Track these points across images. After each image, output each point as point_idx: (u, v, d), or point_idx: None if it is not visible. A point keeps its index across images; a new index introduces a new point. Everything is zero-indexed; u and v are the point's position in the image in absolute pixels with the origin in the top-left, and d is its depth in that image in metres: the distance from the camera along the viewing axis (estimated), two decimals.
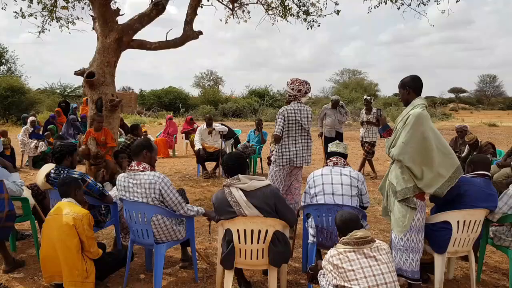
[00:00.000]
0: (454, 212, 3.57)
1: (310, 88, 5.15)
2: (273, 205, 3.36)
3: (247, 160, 9.37)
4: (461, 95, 63.05)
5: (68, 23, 9.50)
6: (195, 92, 47.48)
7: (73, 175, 4.00)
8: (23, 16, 8.94)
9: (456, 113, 38.79)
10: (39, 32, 9.31)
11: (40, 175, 4.28)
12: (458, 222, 3.55)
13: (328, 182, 3.81)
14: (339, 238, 2.97)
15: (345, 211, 3.14)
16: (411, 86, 3.44)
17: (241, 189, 3.32)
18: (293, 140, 5.08)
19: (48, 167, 4.25)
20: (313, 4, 10.15)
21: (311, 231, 3.83)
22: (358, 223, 2.96)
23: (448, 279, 4.00)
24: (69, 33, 10.46)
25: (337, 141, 4.31)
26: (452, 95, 62.70)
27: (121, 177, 3.76)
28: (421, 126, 3.24)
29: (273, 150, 5.11)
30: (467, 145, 7.39)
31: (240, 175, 3.35)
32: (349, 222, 2.93)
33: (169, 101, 36.45)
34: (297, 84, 5.07)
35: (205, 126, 9.62)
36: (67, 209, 3.52)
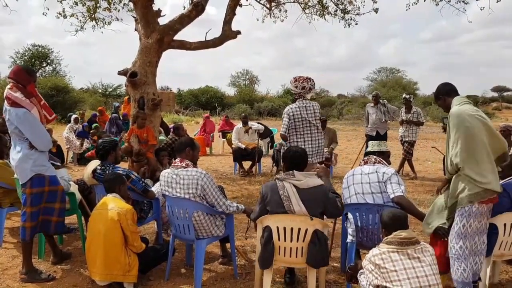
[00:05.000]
0: (500, 215, 3.44)
1: (314, 84, 5.31)
2: (323, 206, 3.37)
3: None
4: (505, 94, 60.25)
5: (104, 24, 9.81)
6: (231, 92, 47.84)
7: (118, 171, 4.14)
8: (64, 16, 9.30)
9: (499, 112, 37.30)
10: (76, 31, 9.66)
11: (87, 171, 4.46)
12: (504, 225, 3.43)
13: (358, 182, 3.78)
14: (382, 237, 2.94)
15: (394, 209, 3.11)
16: (443, 93, 3.41)
17: (295, 186, 3.35)
18: (301, 138, 5.21)
19: (95, 163, 4.42)
20: (350, 2, 10.03)
21: (350, 230, 3.81)
22: (406, 223, 2.91)
23: (493, 283, 3.87)
24: (102, 32, 10.79)
25: (374, 141, 4.25)
26: (495, 94, 60.10)
27: (165, 173, 3.89)
28: (464, 122, 3.08)
29: (280, 150, 5.19)
30: None
31: (295, 172, 3.39)
32: (397, 220, 2.89)
33: (205, 100, 36.94)
34: (300, 82, 5.22)
35: (241, 125, 9.75)
36: (112, 204, 3.65)
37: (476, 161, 3.07)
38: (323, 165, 5.09)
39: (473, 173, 3.07)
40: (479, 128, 3.09)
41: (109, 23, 9.81)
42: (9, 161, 4.35)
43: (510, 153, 7.41)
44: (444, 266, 3.31)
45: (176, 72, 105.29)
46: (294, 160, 3.48)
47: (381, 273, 2.70)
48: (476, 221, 3.14)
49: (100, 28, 9.76)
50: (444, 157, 8.09)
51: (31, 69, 4.13)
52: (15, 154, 3.83)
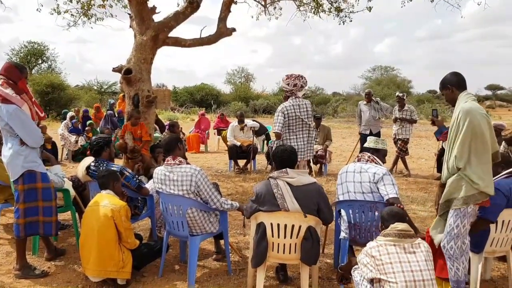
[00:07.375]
0: None
1: (306, 82, 5.27)
2: (316, 203, 3.41)
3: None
4: (499, 92, 60.55)
5: (96, 20, 9.75)
6: (226, 89, 47.83)
7: (112, 168, 4.15)
8: (59, 13, 9.25)
9: (493, 111, 37.45)
10: (69, 25, 9.59)
11: (80, 168, 4.46)
12: (496, 222, 3.45)
13: (350, 180, 3.78)
14: (380, 231, 2.97)
15: (393, 206, 3.16)
16: (454, 83, 3.23)
17: (288, 183, 3.37)
18: (294, 136, 5.22)
19: (89, 160, 4.42)
20: (345, 1, 10.05)
21: (343, 227, 3.82)
22: (404, 219, 2.94)
23: (484, 280, 3.90)
24: (91, 27, 10.67)
25: (373, 137, 4.21)
26: (489, 92, 60.38)
27: (158, 170, 3.89)
28: (474, 120, 3.03)
29: (273, 147, 5.18)
30: (504, 141, 7.08)
31: (288, 169, 3.42)
32: (395, 214, 2.93)
33: (201, 98, 36.91)
34: (292, 79, 5.19)
35: (236, 123, 9.77)
36: (106, 201, 3.66)
37: (478, 162, 3.06)
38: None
39: (473, 175, 3.05)
40: (485, 127, 3.05)
41: (102, 19, 9.77)
42: None
43: (500, 149, 7.42)
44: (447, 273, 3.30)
45: (172, 69, 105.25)
46: (283, 158, 3.50)
47: (376, 265, 2.73)
48: (470, 221, 3.17)
49: (91, 23, 9.72)
50: (438, 156, 8.14)
51: (22, 65, 4.12)
52: (6, 151, 3.84)
